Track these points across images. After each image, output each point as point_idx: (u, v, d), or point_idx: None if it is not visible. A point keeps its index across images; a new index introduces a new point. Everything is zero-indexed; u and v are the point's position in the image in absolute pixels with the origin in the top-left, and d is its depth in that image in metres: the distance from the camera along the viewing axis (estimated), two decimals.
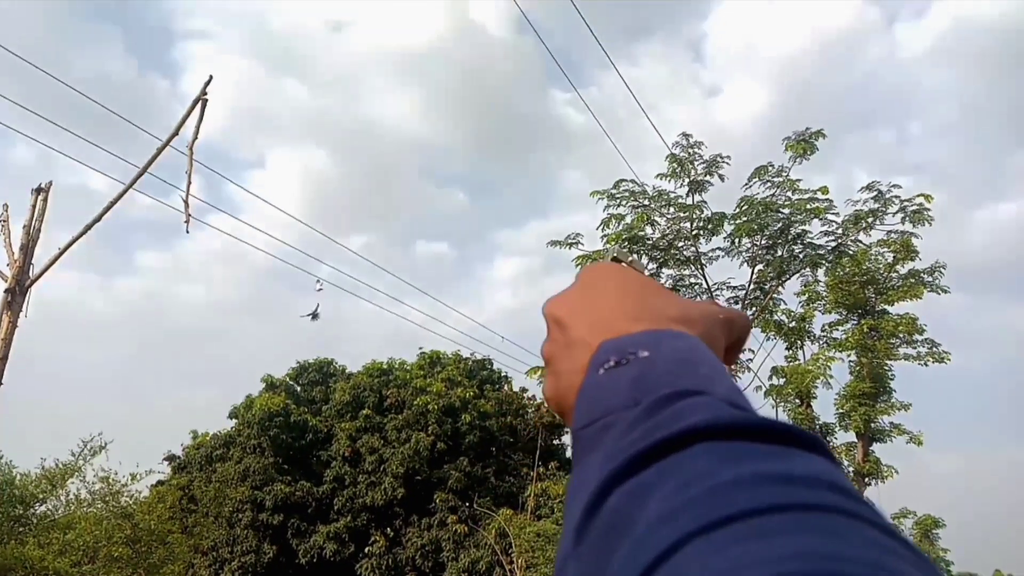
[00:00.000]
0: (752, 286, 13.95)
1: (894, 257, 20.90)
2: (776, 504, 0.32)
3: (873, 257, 21.25)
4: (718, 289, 13.79)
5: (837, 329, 21.13)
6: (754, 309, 13.39)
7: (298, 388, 25.37)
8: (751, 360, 13.69)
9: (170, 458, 25.85)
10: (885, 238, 20.22)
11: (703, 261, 13.41)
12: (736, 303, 13.47)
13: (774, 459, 0.35)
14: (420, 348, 25.33)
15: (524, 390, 26.32)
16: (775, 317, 17.61)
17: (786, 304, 14.89)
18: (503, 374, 26.33)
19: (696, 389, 0.42)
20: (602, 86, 35.47)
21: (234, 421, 24.72)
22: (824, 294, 21.69)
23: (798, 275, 14.16)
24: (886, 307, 21.29)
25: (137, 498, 14.17)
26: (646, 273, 0.62)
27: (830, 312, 21.61)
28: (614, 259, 0.63)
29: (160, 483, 24.36)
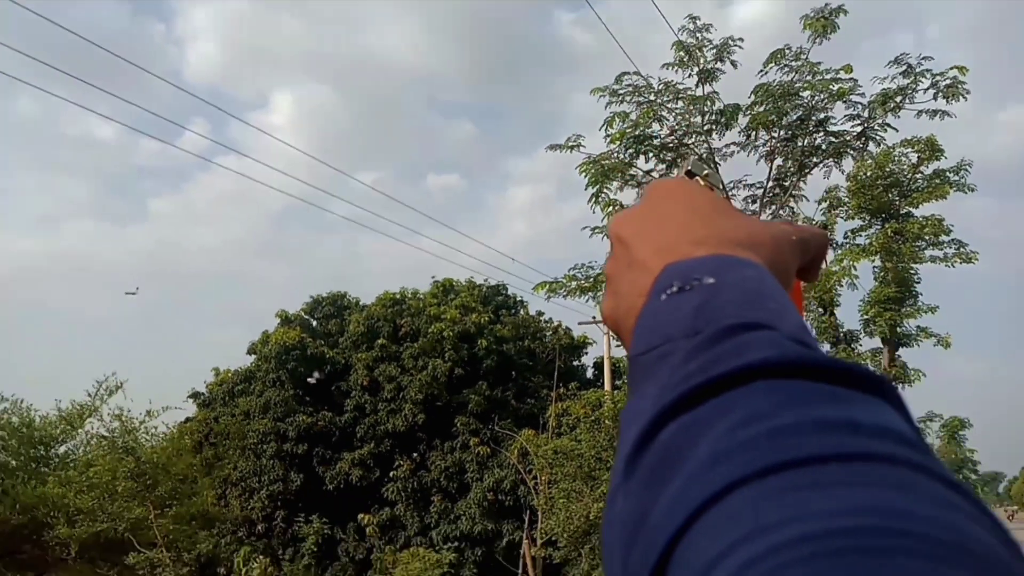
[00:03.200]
0: (771, 183, 12.60)
1: (918, 157, 20.10)
2: (837, 453, 0.31)
3: (896, 158, 20.45)
4: (733, 188, 12.60)
5: (860, 235, 20.52)
6: (773, 208, 12.30)
7: (313, 322, 25.28)
8: None
9: (194, 395, 26.10)
10: (909, 138, 19.38)
11: (716, 158, 12.08)
12: (753, 202, 12.44)
13: (838, 403, 0.34)
14: (433, 277, 25.06)
15: (540, 313, 26.09)
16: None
17: (808, 200, 13.51)
18: (518, 299, 26.04)
19: (761, 322, 0.40)
20: (608, 3, 33.97)
21: (253, 357, 24.77)
22: (846, 200, 21.00)
23: (821, 166, 12.58)
24: (911, 209, 20.59)
25: (155, 434, 14.15)
26: (721, 186, 0.60)
27: (853, 218, 20.92)
28: (688, 172, 0.60)
29: (188, 420, 24.73)
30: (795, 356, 0.36)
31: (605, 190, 11.22)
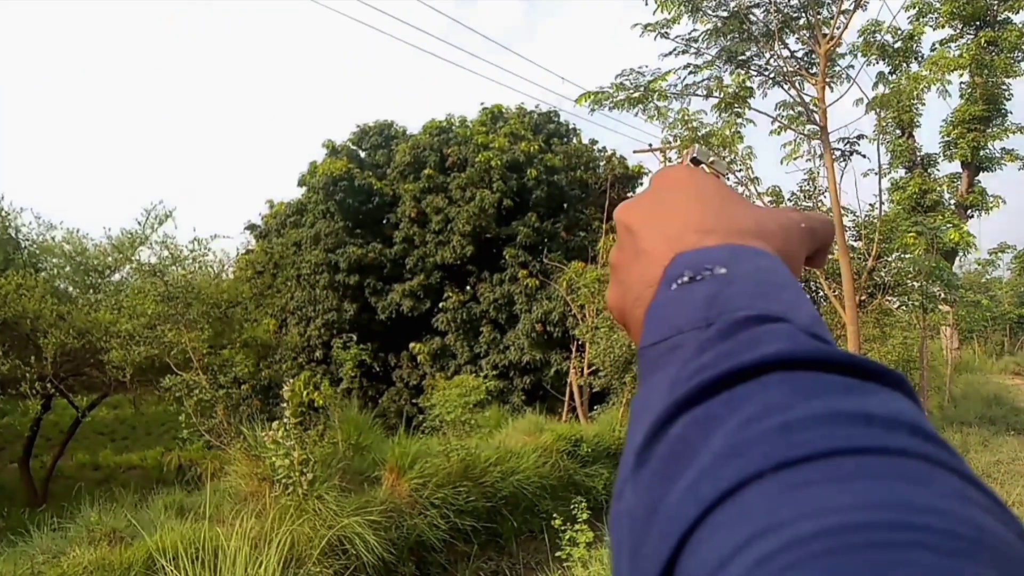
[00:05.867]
0: None
1: None
2: (853, 446, 0.30)
3: None
4: None
5: (950, 46, 18.47)
6: None
7: (361, 153, 24.77)
8: (851, 67, 10.90)
9: (251, 227, 26.49)
10: None
11: None
12: None
13: (852, 396, 0.33)
14: (481, 103, 23.97)
15: (594, 142, 24.97)
16: (878, 37, 15.13)
17: None
18: (571, 126, 24.87)
19: (775, 314, 0.39)
20: None
21: (303, 189, 24.66)
22: (937, 6, 18.77)
23: None
24: (1009, 15, 18.29)
25: (203, 262, 14.25)
26: (728, 173, 0.62)
27: (943, 27, 18.80)
28: (693, 160, 0.60)
29: (248, 251, 25.25)
30: (809, 350, 0.36)
31: None
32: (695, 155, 0.60)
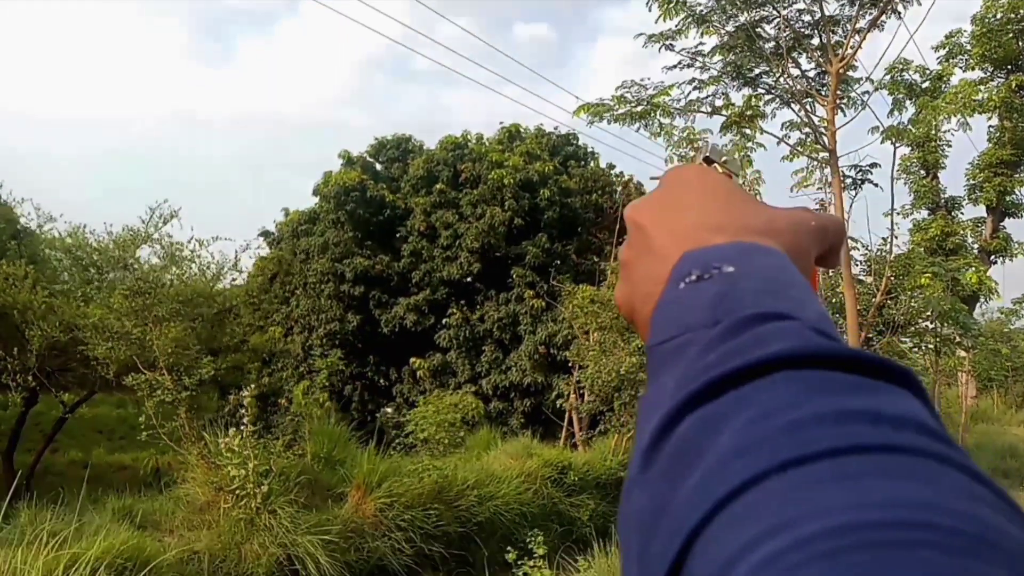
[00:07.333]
0: None
1: None
2: (859, 444, 0.30)
3: None
4: None
5: (979, 88, 18.02)
6: (874, 11, 9.22)
7: (377, 165, 24.62)
8: (865, 93, 10.41)
9: (264, 234, 26.36)
10: None
11: None
12: (852, 3, 9.13)
13: (860, 394, 0.33)
14: (500, 122, 23.79)
15: (612, 166, 24.69)
16: (906, 76, 14.75)
17: (919, 3, 9.59)
18: (590, 150, 24.61)
19: (782, 312, 0.39)
20: None
21: (317, 198, 24.53)
22: (968, 47, 18.35)
23: None
24: None
25: (202, 266, 14.02)
26: (741, 172, 0.60)
27: (973, 69, 18.36)
28: (706, 159, 0.60)
29: (262, 258, 25.09)
30: (816, 347, 0.35)
31: None
32: (708, 154, 0.60)
